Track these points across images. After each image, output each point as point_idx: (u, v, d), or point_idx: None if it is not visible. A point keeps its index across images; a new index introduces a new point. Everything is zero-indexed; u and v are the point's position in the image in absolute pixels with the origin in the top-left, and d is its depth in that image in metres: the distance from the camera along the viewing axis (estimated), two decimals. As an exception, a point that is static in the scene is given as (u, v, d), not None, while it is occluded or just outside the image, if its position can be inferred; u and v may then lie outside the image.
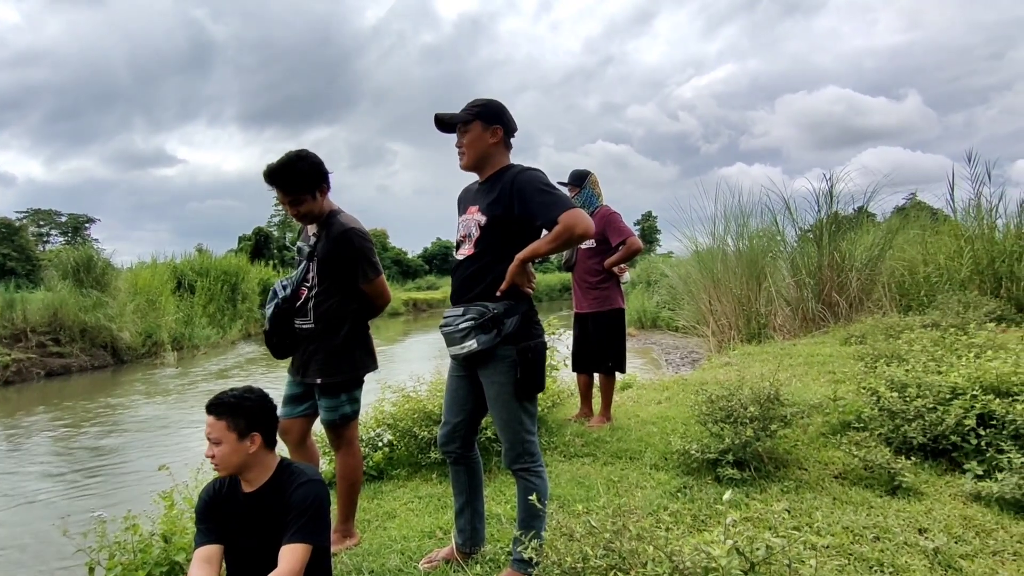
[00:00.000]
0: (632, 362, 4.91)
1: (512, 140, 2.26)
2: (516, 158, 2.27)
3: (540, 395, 3.22)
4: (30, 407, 9.36)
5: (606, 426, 4.20)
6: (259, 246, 39.50)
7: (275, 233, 46.53)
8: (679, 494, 2.95)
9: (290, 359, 2.71)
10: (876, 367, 3.91)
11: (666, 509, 2.72)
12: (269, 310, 2.62)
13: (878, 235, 8.73)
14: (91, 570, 2.64)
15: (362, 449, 3.26)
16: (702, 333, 10.08)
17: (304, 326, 2.60)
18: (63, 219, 49.43)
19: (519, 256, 2.06)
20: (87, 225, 49.92)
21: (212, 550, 1.92)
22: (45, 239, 47.43)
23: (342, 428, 2.62)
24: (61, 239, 47.32)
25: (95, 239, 45.47)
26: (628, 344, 4.44)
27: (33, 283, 17.73)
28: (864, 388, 3.54)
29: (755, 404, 3.12)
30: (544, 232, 2.09)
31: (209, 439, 1.90)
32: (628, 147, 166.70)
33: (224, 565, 1.97)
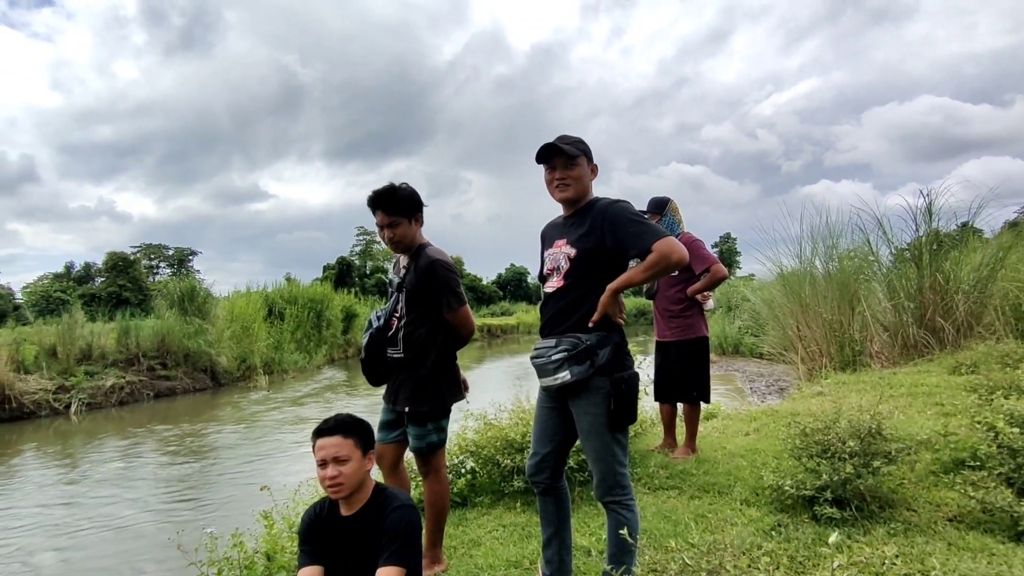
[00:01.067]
0: (715, 389, 4.74)
1: None
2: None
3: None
4: (144, 426, 10.16)
5: (691, 458, 4.08)
6: (342, 274, 41.54)
7: (356, 262, 48.75)
8: (773, 532, 2.82)
9: (385, 387, 2.85)
10: (992, 399, 3.59)
11: (760, 548, 2.60)
12: (365, 339, 2.78)
13: (987, 253, 8.03)
14: (201, 583, 2.83)
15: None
16: (789, 360, 9.57)
17: (395, 355, 2.73)
18: (170, 252, 54.19)
19: (611, 286, 2.08)
20: (190, 257, 54.45)
21: (315, 571, 2.02)
22: (155, 271, 52.05)
23: (429, 456, 2.70)
24: (168, 271, 51.81)
25: (197, 270, 49.55)
26: (710, 371, 4.31)
27: (145, 311, 19.23)
28: (979, 423, 3.26)
29: (854, 438, 2.94)
30: (633, 262, 2.10)
31: (336, 459, 1.98)
32: (704, 168, 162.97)
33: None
